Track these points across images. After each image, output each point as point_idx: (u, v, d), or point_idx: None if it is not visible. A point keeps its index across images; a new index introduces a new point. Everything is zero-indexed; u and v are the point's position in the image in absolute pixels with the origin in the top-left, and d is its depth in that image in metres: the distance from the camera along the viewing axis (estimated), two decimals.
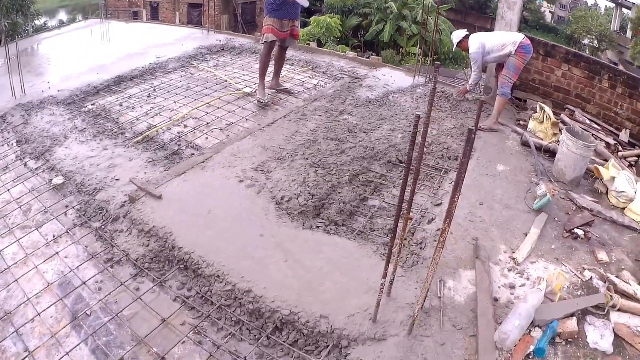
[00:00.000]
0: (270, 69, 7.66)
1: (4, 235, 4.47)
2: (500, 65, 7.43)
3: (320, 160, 5.35)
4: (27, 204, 4.91)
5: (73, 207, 4.72)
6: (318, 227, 4.35)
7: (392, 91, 8.06)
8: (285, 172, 5.11)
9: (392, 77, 8.82)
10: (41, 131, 6.32)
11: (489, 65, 8.08)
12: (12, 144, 6.15)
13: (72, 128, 6.34)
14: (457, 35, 7.69)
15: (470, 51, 7.41)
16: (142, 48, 10.15)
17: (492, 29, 8.59)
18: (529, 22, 57.39)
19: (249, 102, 7.21)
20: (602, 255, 4.40)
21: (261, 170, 5.19)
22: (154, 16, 32.80)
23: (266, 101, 7.07)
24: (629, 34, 34.44)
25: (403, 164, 5.51)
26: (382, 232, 4.41)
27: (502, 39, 7.16)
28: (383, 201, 4.93)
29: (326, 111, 6.89)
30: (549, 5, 64.29)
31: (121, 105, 7.08)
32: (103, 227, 4.39)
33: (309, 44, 13.48)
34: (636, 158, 7.00)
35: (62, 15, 48.26)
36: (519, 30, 8.21)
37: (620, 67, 27.85)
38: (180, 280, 3.78)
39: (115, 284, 3.78)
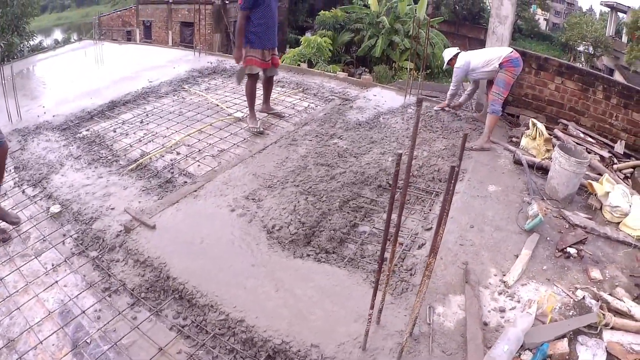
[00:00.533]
0: (260, 92, 7.81)
1: (4, 263, 4.60)
2: (490, 83, 7.48)
3: (310, 187, 5.50)
4: (27, 232, 5.04)
5: (70, 236, 4.85)
6: (309, 255, 4.49)
7: (383, 112, 8.22)
8: (276, 200, 5.25)
9: (383, 98, 9.00)
10: (38, 158, 6.47)
11: (480, 82, 8.18)
12: (10, 170, 6.26)
13: (67, 155, 6.49)
14: (449, 53, 7.84)
15: (454, 67, 7.57)
16: (135, 71, 10.34)
17: (485, 39, 8.73)
18: (523, 31, 57.67)
19: (240, 127, 7.38)
20: (596, 273, 4.46)
21: (252, 199, 5.32)
22: (147, 35, 32.96)
23: (260, 129, 7.20)
24: (624, 38, 34.51)
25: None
26: (372, 259, 4.52)
27: (487, 56, 7.26)
28: (373, 227, 5.07)
29: (317, 136, 7.04)
30: (543, 12, 64.60)
31: (115, 132, 7.23)
32: (100, 256, 4.53)
33: (299, 65, 13.66)
34: (632, 170, 7.08)
35: (57, 34, 48.43)
36: (513, 41, 8.32)
37: (617, 73, 28.04)
38: (176, 310, 3.91)
39: (114, 313, 3.90)
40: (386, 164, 6.22)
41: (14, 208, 5.46)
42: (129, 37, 32.34)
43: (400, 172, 2.76)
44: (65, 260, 4.53)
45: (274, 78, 7.97)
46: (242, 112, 7.83)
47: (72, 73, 10.64)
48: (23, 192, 5.79)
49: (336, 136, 7.09)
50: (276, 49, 7.39)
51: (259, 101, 7.85)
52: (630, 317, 3.97)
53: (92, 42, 14.55)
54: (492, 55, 7.18)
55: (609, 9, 42.86)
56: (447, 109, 8.29)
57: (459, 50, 7.79)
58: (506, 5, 8.06)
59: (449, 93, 8.11)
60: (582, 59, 40.55)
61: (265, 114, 7.90)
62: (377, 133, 7.25)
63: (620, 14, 40.39)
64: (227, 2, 29.74)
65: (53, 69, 11.22)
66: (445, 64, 7.93)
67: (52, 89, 9.34)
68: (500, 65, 6.98)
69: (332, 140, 6.91)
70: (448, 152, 6.69)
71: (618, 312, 4.00)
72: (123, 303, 4.03)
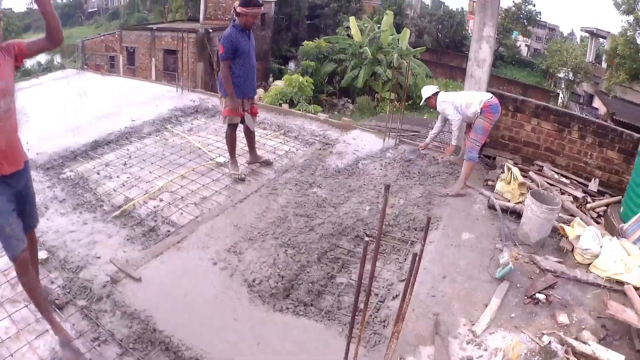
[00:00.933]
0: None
1: None
2: (468, 127, 7.72)
3: (290, 239, 5.75)
4: (15, 278, 5.15)
5: (59, 286, 5.00)
6: (288, 308, 4.73)
7: (362, 157, 8.51)
8: (257, 253, 5.51)
9: (363, 141, 9.29)
10: None
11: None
12: None
13: (52, 197, 6.64)
14: (428, 91, 8.02)
15: (440, 101, 7.77)
16: (118, 107, 10.57)
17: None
18: (504, 59, 58.58)
19: (222, 173, 7.61)
20: (563, 318, 4.72)
21: (234, 252, 5.56)
22: (131, 61, 33.18)
23: (241, 176, 7.42)
24: (604, 64, 35.36)
25: (371, 238, 5.85)
26: (348, 311, 4.75)
27: (468, 98, 7.44)
28: (350, 278, 5.30)
29: (296, 184, 7.31)
30: (524, 39, 65.69)
31: (99, 174, 7.40)
32: (88, 306, 4.69)
33: (281, 105, 13.94)
34: (606, 207, 7.41)
35: (40, 55, 48.35)
36: (495, 68, 8.62)
37: (596, 99, 28.58)
38: None
39: None
40: (364, 213, 6.48)
41: (2, 251, 5.58)
42: (112, 63, 32.55)
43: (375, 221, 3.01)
44: (54, 309, 4.67)
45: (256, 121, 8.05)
46: (224, 157, 8.03)
47: (55, 106, 10.79)
48: None
49: (315, 184, 7.35)
50: (254, 98, 7.63)
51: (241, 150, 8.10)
52: (595, 359, 4.20)
53: (75, 71, 14.77)
54: (474, 98, 7.36)
55: (589, 35, 43.83)
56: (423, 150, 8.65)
57: (439, 89, 8.01)
58: (484, 49, 8.31)
59: (432, 132, 8.38)
60: (563, 86, 41.38)
61: (256, 164, 8.01)
62: (355, 181, 7.54)
63: (601, 39, 41.43)
64: (210, 30, 30.07)
65: (36, 100, 11.31)
66: (422, 100, 8.14)
67: (35, 124, 9.43)
68: (481, 110, 7.17)
69: (311, 189, 7.18)
70: (424, 199, 6.98)
71: (583, 356, 4.24)
72: (112, 353, 4.19)
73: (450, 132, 8.27)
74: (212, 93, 12.51)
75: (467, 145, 7.36)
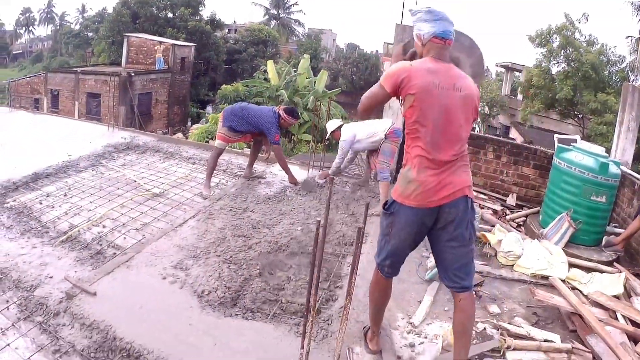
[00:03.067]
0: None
1: None
2: (372, 152, 8.38)
3: (231, 256, 6.18)
4: None
5: (14, 302, 5.21)
6: (237, 314, 5.12)
7: (289, 186, 9.11)
8: (202, 268, 5.90)
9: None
10: None
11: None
12: None
13: None
14: (332, 125, 8.69)
15: (340, 139, 8.42)
16: (53, 144, 10.85)
17: (382, 109, 9.62)
18: None
19: (158, 202, 8.01)
20: (494, 308, 5.30)
21: (180, 268, 5.91)
22: (54, 104, 32.90)
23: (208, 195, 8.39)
24: (519, 96, 36.84)
25: (304, 254, 6.44)
26: (292, 315, 5.19)
27: (371, 128, 8.12)
28: (289, 289, 5.72)
29: (231, 209, 7.74)
30: None
31: (41, 204, 7.62)
32: (46, 321, 4.93)
33: (208, 142, 14.34)
34: (525, 218, 8.11)
35: None
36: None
37: (512, 130, 30.08)
38: None
39: None
40: (296, 232, 7.00)
41: None
42: (36, 106, 32.13)
43: (314, 238, 3.55)
44: (13, 325, 4.90)
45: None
46: (159, 189, 8.46)
47: None
48: None
49: (249, 210, 7.80)
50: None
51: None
52: (531, 338, 4.72)
53: (7, 109, 14.91)
54: (377, 127, 8.10)
55: (504, 69, 45.76)
56: (323, 178, 9.32)
57: (342, 123, 8.69)
58: None
59: (334, 165, 9.00)
60: (479, 119, 42.90)
61: (249, 178, 9.37)
62: (285, 205, 8.07)
63: (516, 72, 43.22)
64: (132, 74, 30.21)
65: None
66: (328, 134, 8.81)
67: None
68: (385, 136, 7.93)
69: (245, 214, 7.62)
70: (351, 218, 7.58)
71: (518, 336, 4.74)
72: None
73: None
74: (141, 131, 12.85)
75: (378, 167, 8.06)
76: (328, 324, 5.05)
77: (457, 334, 4.00)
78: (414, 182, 3.62)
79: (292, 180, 9.11)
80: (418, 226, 3.76)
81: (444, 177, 3.60)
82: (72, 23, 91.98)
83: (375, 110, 4.04)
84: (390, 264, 4.05)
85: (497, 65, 49.53)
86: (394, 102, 9.06)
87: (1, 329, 4.85)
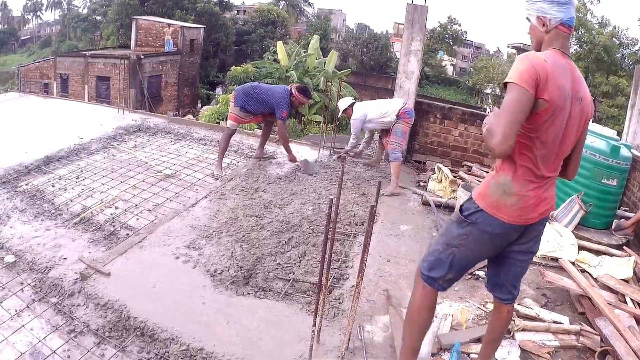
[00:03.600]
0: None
1: None
2: (385, 132, 8.37)
3: (243, 236, 6.20)
4: None
5: (29, 284, 5.28)
6: (249, 293, 5.16)
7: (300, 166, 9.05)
8: (215, 248, 5.92)
9: (299, 152, 9.80)
10: None
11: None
12: None
13: (12, 208, 6.87)
14: (344, 103, 8.66)
15: (352, 118, 8.38)
16: (64, 127, 10.83)
17: (393, 89, 9.57)
18: (430, 78, 60.02)
19: (170, 183, 8.06)
20: None
21: (193, 248, 5.95)
22: (64, 88, 32.93)
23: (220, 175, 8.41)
24: None
25: (315, 233, 6.46)
26: (303, 294, 5.22)
27: (382, 108, 8.07)
28: (301, 267, 5.75)
29: (242, 190, 7.76)
30: (450, 58, 67.47)
31: (54, 187, 7.68)
32: (60, 302, 4.99)
33: (219, 123, 14.33)
34: None
35: None
36: (420, 88, 9.32)
37: None
38: (139, 345, 4.43)
39: (82, 352, 4.36)
40: (307, 212, 7.01)
41: None
42: (45, 90, 32.22)
43: (326, 217, 3.55)
44: (27, 306, 4.96)
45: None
46: (170, 170, 8.49)
47: (3, 126, 10.97)
48: None
49: (260, 190, 7.82)
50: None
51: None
52: (540, 320, 4.79)
53: (17, 94, 14.92)
54: (388, 107, 8.03)
55: (516, 50, 45.47)
56: (348, 156, 9.26)
57: (354, 100, 8.64)
58: (412, 62, 8.99)
59: (349, 145, 8.98)
60: (490, 101, 42.62)
61: (260, 158, 9.48)
62: (296, 185, 8.08)
63: None
64: (141, 57, 30.21)
65: None
66: (340, 113, 8.78)
67: None
68: (397, 117, 7.87)
69: (257, 194, 7.64)
70: (362, 199, 7.58)
71: (528, 317, 4.81)
72: (89, 342, 4.47)
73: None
74: (152, 113, 12.86)
75: (390, 147, 8.05)
76: (339, 302, 5.07)
77: (492, 341, 3.86)
78: (515, 195, 3.12)
79: (292, 157, 9.12)
80: (501, 241, 3.30)
81: (541, 193, 3.18)
82: (79, 7, 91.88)
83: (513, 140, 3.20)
84: (450, 279, 3.55)
85: (508, 47, 49.15)
86: (405, 82, 9.08)
87: (16, 311, 4.92)
